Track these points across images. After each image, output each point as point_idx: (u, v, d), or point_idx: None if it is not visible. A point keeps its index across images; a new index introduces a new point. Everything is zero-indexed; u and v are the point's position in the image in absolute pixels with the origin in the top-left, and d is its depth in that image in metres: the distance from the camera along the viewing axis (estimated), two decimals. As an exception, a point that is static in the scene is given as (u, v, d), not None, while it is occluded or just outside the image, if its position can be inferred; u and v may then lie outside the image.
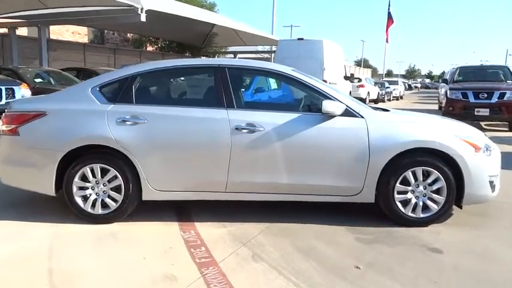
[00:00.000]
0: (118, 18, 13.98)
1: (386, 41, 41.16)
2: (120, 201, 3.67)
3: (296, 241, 3.38)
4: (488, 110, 10.29)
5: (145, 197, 3.69)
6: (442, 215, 3.68)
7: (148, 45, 26.53)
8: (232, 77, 3.73)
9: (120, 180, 3.64)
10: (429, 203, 3.66)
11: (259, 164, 3.61)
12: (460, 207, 3.74)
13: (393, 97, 29.32)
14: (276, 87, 3.78)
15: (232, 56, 24.73)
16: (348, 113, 3.64)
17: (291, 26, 42.26)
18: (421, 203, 3.66)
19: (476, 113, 10.36)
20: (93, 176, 3.65)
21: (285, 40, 15.23)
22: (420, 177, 3.62)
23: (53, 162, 3.61)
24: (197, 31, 20.95)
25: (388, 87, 28.56)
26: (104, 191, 3.68)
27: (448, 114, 10.51)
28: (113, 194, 3.67)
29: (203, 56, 24.33)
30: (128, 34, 26.19)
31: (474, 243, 3.41)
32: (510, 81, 11.33)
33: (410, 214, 3.66)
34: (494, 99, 10.30)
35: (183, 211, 3.98)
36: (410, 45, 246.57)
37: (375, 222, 3.76)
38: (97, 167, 3.64)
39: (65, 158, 3.61)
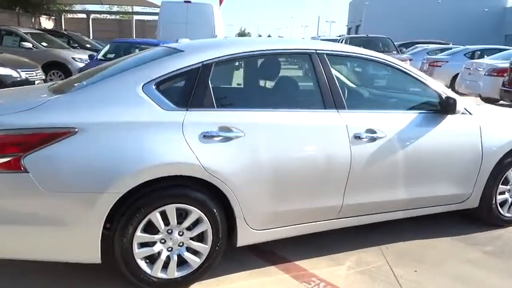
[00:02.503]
0: None
1: (220, 3, 41.09)
2: (206, 254, 2.49)
3: (441, 267, 2.81)
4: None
5: (242, 241, 2.58)
6: (527, 210, 3.57)
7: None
8: (336, 68, 2.81)
9: (206, 225, 2.44)
10: (518, 200, 3.49)
11: (379, 180, 2.85)
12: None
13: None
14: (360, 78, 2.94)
15: (85, 16, 21.04)
16: (459, 110, 3.13)
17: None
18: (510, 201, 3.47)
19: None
20: (166, 223, 2.37)
21: (170, 2, 13.55)
22: (516, 175, 3.40)
23: (98, 213, 2.19)
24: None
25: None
26: (180, 243, 2.44)
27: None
28: (195, 245, 2.46)
29: (44, 14, 20.23)
30: None
31: None
32: (395, 52, 12.35)
33: (506, 214, 3.44)
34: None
35: (258, 246, 2.95)
36: (238, 8, 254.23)
37: (463, 226, 3.44)
38: (172, 210, 2.36)
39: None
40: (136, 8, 21.26)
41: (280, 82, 2.91)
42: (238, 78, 2.79)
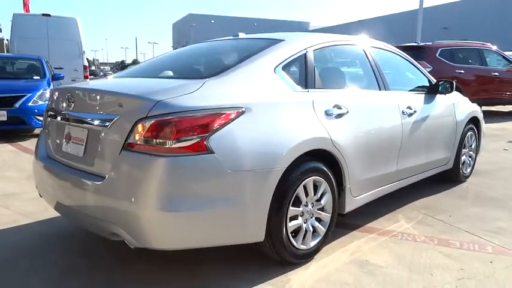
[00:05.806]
0: None
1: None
2: (328, 222, 2.72)
3: (461, 211, 3.59)
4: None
5: (348, 208, 2.88)
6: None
7: None
8: (378, 58, 3.38)
9: (329, 195, 2.68)
10: (469, 160, 4.61)
11: (414, 147, 3.49)
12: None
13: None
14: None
15: None
16: (442, 91, 4.03)
17: None
18: (467, 162, 4.57)
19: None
20: (306, 196, 2.53)
21: (24, 15, 12.13)
22: (469, 141, 4.51)
23: (268, 189, 2.25)
24: None
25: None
26: (312, 214, 2.62)
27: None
28: (323, 215, 2.68)
29: None
30: None
31: None
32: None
33: (466, 172, 4.49)
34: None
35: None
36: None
37: (439, 185, 4.38)
38: (310, 183, 2.53)
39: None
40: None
41: (356, 67, 3.34)
42: (328, 63, 3.15)
